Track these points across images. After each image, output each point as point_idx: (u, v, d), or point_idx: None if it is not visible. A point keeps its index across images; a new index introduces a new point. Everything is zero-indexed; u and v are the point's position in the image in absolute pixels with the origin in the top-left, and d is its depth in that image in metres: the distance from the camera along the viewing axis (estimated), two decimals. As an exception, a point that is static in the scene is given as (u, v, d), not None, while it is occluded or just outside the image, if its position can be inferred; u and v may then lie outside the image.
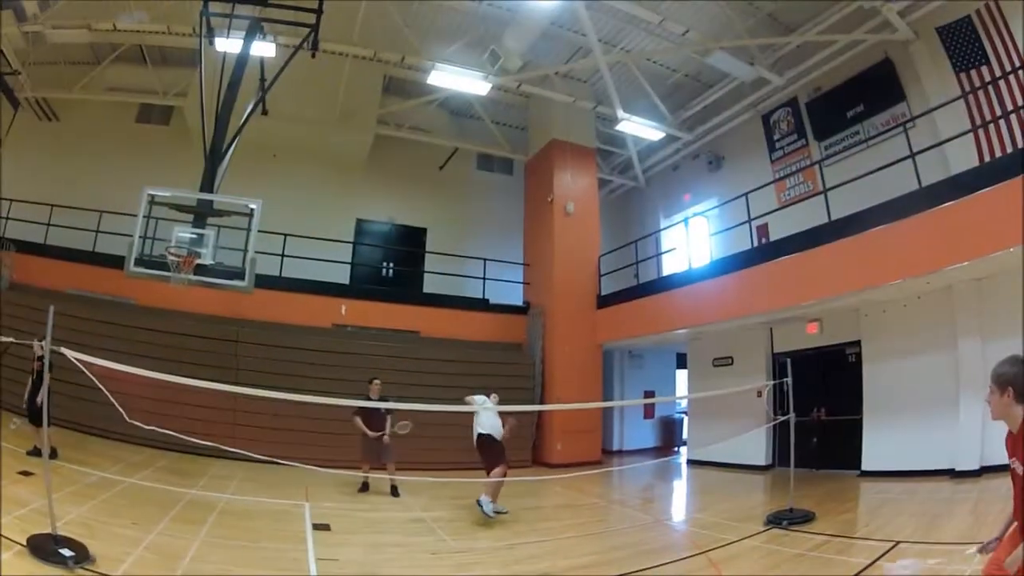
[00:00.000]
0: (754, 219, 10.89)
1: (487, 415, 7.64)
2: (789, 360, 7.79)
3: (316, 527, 6.41)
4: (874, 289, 8.67)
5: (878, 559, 5.21)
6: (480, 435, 7.60)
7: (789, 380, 7.66)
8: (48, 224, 12.52)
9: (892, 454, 9.33)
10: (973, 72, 9.46)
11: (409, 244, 15.99)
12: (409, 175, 16.07)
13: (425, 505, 8.18)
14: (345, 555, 5.51)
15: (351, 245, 15.04)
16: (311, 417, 9.52)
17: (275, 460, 6.24)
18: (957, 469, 8.35)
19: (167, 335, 10.81)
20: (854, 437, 9.97)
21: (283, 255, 12.49)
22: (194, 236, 8.51)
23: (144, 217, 8.13)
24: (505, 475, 7.57)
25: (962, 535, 5.51)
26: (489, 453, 7.57)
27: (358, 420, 8.80)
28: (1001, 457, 2.83)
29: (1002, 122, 8.89)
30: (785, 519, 6.99)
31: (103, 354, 5.15)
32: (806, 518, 7.01)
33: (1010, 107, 8.81)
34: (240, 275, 8.98)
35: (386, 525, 7.10)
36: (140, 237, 8.14)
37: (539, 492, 9.87)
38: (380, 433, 8.74)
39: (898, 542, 5.63)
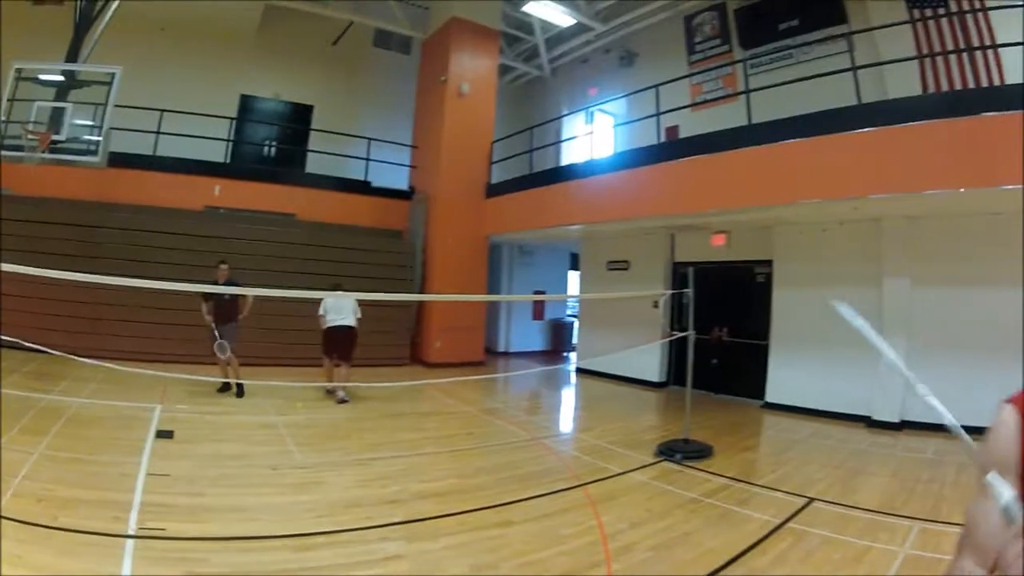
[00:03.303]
0: (663, 113, 9.86)
1: (336, 303, 8.13)
2: (691, 270, 6.99)
3: (159, 434, 5.85)
4: (787, 206, 7.93)
5: (789, 520, 4.58)
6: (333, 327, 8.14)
7: (690, 292, 6.94)
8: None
9: (800, 389, 8.91)
10: (928, 11, 8.54)
11: (295, 122, 14.77)
12: (300, 50, 14.63)
13: (280, 408, 7.64)
14: (178, 470, 4.88)
15: (232, 122, 13.33)
16: (172, 308, 9.30)
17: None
18: (874, 418, 8.02)
19: (26, 224, 9.48)
20: (759, 364, 9.51)
21: (158, 132, 11.43)
22: (52, 111, 8.98)
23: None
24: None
25: (884, 503, 4.96)
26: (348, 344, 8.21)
27: (204, 309, 7.92)
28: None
29: (952, 60, 8.17)
30: (679, 452, 6.39)
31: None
32: (702, 453, 6.46)
33: (963, 46, 8.11)
34: (94, 151, 9.32)
35: (232, 432, 6.42)
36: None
37: (409, 396, 9.21)
38: (224, 322, 7.88)
39: (812, 499, 5.05)
